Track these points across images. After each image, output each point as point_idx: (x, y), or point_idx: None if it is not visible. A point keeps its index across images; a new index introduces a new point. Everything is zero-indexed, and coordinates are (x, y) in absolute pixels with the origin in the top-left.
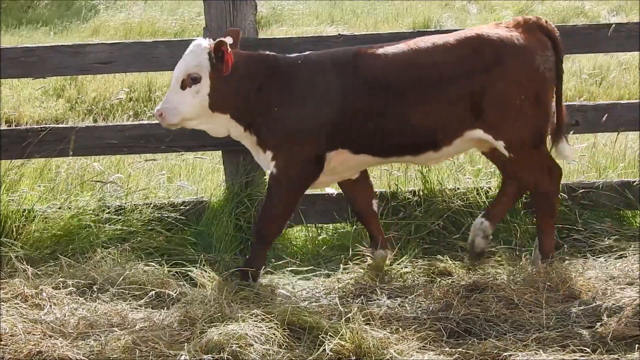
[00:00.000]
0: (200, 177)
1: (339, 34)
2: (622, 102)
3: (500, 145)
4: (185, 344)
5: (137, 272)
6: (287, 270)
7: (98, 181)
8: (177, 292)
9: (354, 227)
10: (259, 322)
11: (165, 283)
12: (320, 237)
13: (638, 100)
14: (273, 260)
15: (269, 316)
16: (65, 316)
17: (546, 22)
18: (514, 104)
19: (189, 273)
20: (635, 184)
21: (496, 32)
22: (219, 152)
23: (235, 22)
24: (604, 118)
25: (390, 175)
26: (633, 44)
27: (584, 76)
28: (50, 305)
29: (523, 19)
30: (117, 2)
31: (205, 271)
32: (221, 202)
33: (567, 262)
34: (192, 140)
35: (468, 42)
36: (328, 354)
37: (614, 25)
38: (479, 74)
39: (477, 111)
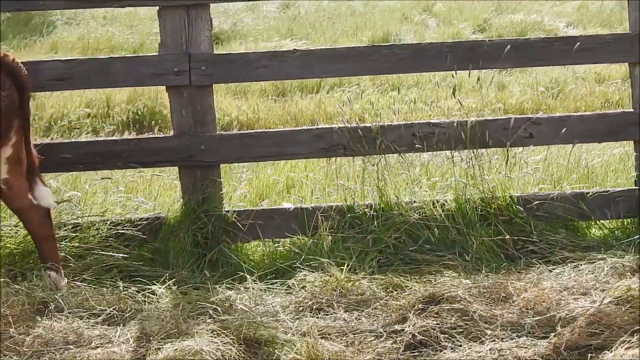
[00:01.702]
0: (158, 193)
1: (295, 49)
2: (575, 114)
3: None
4: None
5: (93, 288)
6: (244, 285)
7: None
8: (134, 308)
9: (311, 240)
10: (215, 337)
11: (122, 299)
12: (278, 251)
13: (592, 113)
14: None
15: (225, 331)
16: (20, 334)
17: (13, 60)
18: None
19: (146, 289)
20: (589, 195)
21: None
22: (176, 169)
23: (191, 38)
24: (563, 131)
25: (347, 189)
26: (586, 57)
27: (540, 89)
28: (4, 324)
29: None
30: (75, 18)
31: (162, 287)
32: (178, 218)
33: (522, 273)
34: (149, 156)
35: None
36: None
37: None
38: None
39: None
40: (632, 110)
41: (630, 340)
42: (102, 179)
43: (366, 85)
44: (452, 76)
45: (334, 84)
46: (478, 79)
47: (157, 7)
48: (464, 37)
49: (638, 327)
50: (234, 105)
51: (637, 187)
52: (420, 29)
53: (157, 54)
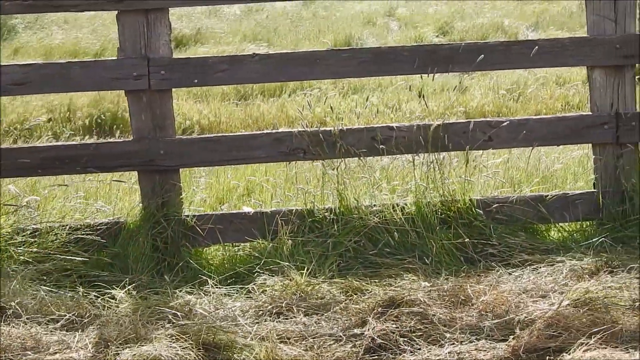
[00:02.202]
0: (117, 198)
1: (254, 53)
2: (534, 117)
3: None
4: None
5: (52, 294)
6: (204, 290)
7: (11, 205)
8: (93, 313)
9: (271, 244)
10: (174, 342)
11: (81, 305)
12: (238, 255)
13: (551, 116)
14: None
15: (183, 336)
16: None
17: None
18: None
19: (106, 294)
20: (548, 198)
21: None
22: (136, 173)
23: (150, 42)
24: (522, 134)
25: (306, 193)
26: (545, 61)
27: (502, 92)
28: None
29: None
30: (36, 23)
31: (122, 292)
32: (137, 222)
33: (481, 276)
34: (109, 161)
35: None
36: None
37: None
38: None
39: None
40: (590, 113)
41: (588, 343)
42: (58, 185)
43: (328, 89)
44: (421, 78)
45: (296, 88)
46: (441, 82)
47: (116, 12)
48: (426, 40)
49: (596, 330)
50: (195, 109)
51: (595, 190)
52: (382, 33)
53: (116, 58)
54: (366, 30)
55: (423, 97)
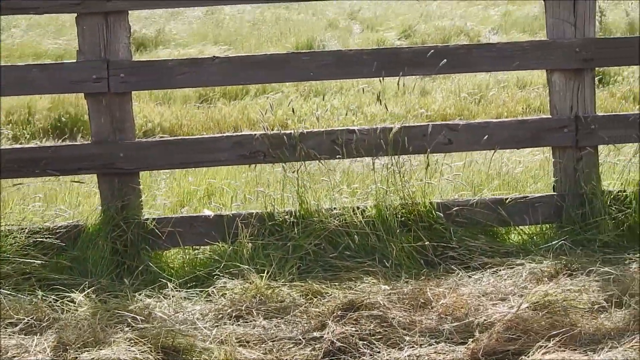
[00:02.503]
0: (77, 201)
1: (214, 56)
2: (494, 120)
3: None
4: None
5: (11, 297)
6: (163, 293)
7: None
8: (52, 317)
9: (231, 247)
10: (133, 345)
11: (40, 308)
12: (198, 258)
13: (511, 119)
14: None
15: (142, 340)
16: None
17: None
18: None
19: (65, 297)
20: (508, 201)
21: None
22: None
23: (109, 45)
24: (482, 137)
25: (266, 196)
26: (505, 64)
27: (463, 95)
28: None
29: None
30: None
31: (81, 295)
32: (97, 226)
33: (441, 279)
34: (68, 163)
35: None
36: None
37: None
38: None
39: None
40: (550, 116)
41: (547, 346)
42: (13, 185)
43: (290, 92)
44: (380, 81)
45: (258, 91)
46: (403, 85)
47: (76, 14)
48: (388, 43)
49: (555, 332)
50: (156, 111)
51: (555, 193)
52: (345, 35)
53: (75, 61)
54: (328, 33)
55: (380, 100)
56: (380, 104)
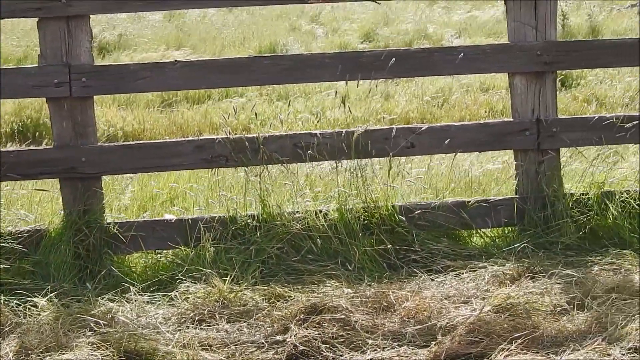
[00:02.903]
0: (39, 206)
1: (176, 60)
2: (456, 124)
3: None
4: None
5: None
6: (126, 297)
7: None
8: (14, 322)
9: (194, 251)
10: (95, 350)
11: (2, 313)
12: (160, 262)
13: (473, 122)
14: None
15: (105, 344)
16: None
17: None
18: None
19: (27, 302)
20: (470, 204)
21: None
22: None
23: (71, 49)
24: (444, 141)
25: (229, 200)
26: (467, 67)
27: (426, 98)
28: None
29: None
30: None
31: (43, 300)
32: (59, 230)
33: (404, 282)
34: (30, 168)
35: None
36: None
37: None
38: None
39: None
40: (512, 119)
41: (509, 348)
42: None
43: (253, 96)
44: (346, 84)
45: (221, 95)
46: (369, 91)
47: (37, 19)
48: (351, 46)
49: (517, 335)
50: (119, 116)
51: (517, 196)
52: (307, 39)
53: (37, 65)
54: (291, 36)
55: (344, 103)
56: (345, 107)
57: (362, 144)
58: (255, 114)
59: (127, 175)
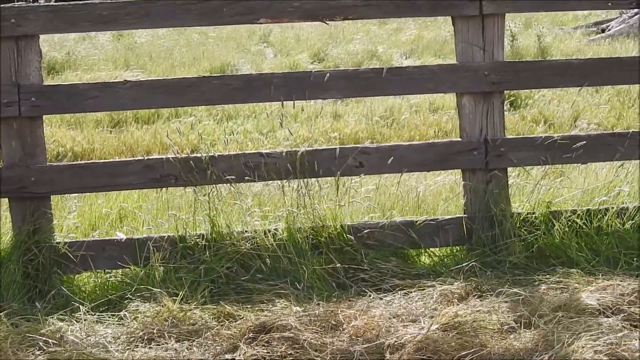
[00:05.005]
0: None
1: (125, 80)
2: (404, 143)
3: None
4: None
5: None
6: (75, 317)
7: None
8: None
9: (143, 271)
10: None
11: None
12: (110, 281)
13: (421, 142)
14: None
15: None
16: None
17: None
18: None
19: None
20: (418, 223)
21: None
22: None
23: (20, 69)
24: (392, 160)
25: (178, 219)
26: (415, 87)
27: (375, 118)
28: None
29: None
30: None
31: None
32: (8, 250)
33: (353, 301)
34: None
35: None
36: None
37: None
38: None
39: None
40: (460, 139)
41: None
42: None
43: (204, 116)
44: (293, 105)
45: (171, 115)
46: (321, 110)
47: None
48: (301, 67)
49: (465, 353)
50: (68, 135)
51: (465, 215)
52: (258, 60)
53: None
54: (242, 58)
55: (282, 125)
56: (282, 128)
57: (309, 164)
58: (201, 136)
59: (73, 195)
